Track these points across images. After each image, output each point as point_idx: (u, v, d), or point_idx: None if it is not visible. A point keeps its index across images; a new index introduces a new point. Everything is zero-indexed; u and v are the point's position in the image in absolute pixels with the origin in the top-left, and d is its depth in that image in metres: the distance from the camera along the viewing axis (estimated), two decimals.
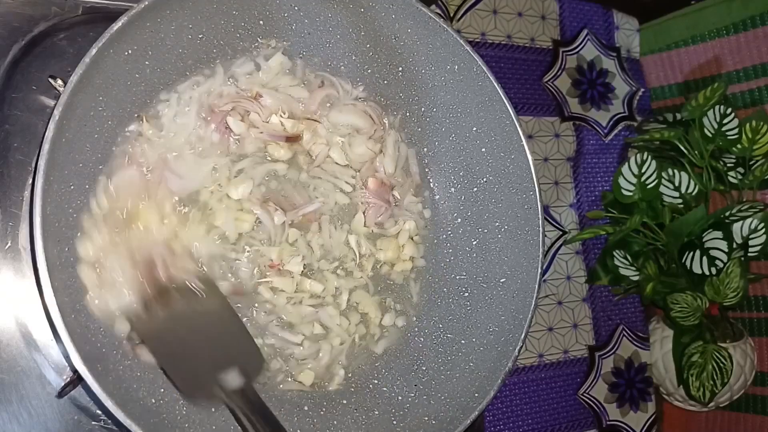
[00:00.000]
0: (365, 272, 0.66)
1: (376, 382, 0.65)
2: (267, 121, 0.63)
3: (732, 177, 0.89)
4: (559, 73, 0.94)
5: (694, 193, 0.87)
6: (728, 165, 0.89)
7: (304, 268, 0.63)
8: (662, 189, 0.88)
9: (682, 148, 0.88)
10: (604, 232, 0.90)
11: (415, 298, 0.69)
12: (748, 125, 0.86)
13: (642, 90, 1.00)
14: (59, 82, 0.59)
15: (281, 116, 0.63)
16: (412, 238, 0.69)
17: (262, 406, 0.51)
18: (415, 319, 0.68)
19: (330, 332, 0.64)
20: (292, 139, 0.63)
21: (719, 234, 0.83)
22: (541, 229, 0.63)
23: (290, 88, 0.64)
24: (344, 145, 0.66)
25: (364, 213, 0.66)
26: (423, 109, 0.68)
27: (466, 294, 0.67)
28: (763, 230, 0.83)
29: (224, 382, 0.52)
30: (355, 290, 0.66)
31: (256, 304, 0.61)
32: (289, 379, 0.62)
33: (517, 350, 0.61)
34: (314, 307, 0.63)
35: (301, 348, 0.63)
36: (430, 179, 0.70)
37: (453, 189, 0.70)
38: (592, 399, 0.91)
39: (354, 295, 0.66)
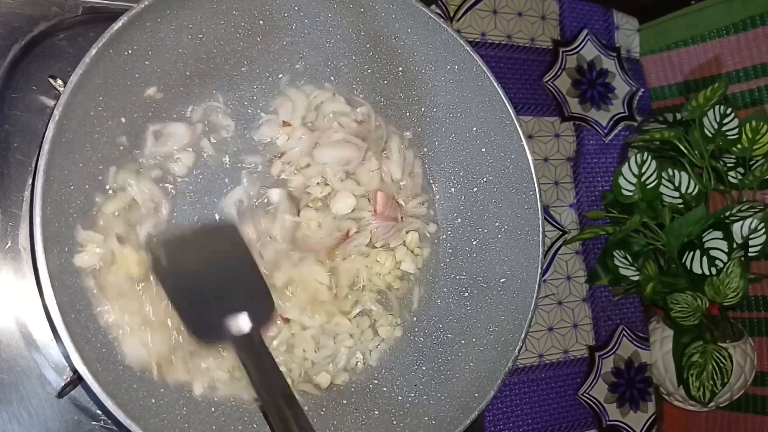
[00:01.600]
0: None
1: (376, 382, 0.65)
2: None
3: (732, 177, 0.89)
4: (559, 73, 0.94)
5: (694, 193, 0.87)
6: (728, 165, 0.89)
7: None
8: (662, 189, 0.88)
9: (682, 148, 0.88)
10: (604, 232, 0.90)
11: (415, 304, 0.69)
12: (748, 125, 0.86)
13: (642, 90, 1.00)
14: (59, 82, 0.59)
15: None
16: (412, 251, 0.68)
17: (267, 354, 0.50)
18: (415, 319, 0.68)
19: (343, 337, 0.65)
20: None
21: (719, 234, 0.83)
22: (541, 229, 0.63)
23: None
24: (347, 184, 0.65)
25: (371, 232, 0.66)
26: (423, 109, 0.68)
27: (466, 294, 0.67)
28: (763, 230, 0.83)
29: (233, 326, 0.51)
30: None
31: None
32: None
33: (517, 350, 0.61)
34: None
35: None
36: (431, 179, 0.70)
37: (453, 189, 0.70)
38: (592, 399, 0.91)
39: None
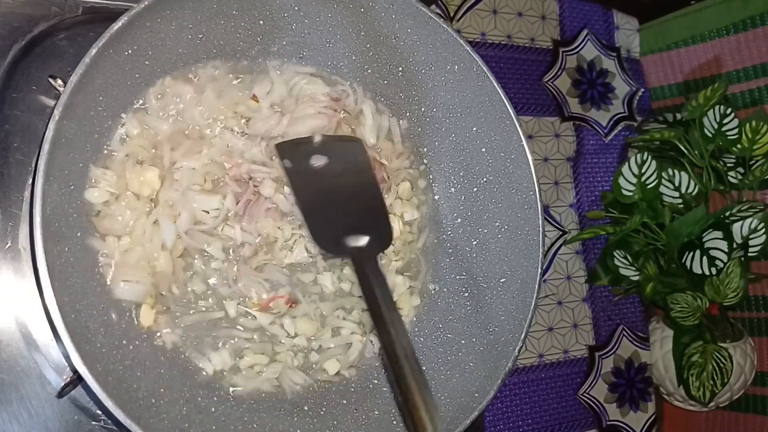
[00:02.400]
0: None
1: (376, 382, 0.65)
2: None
3: (732, 177, 0.89)
4: (559, 73, 0.94)
5: (694, 193, 0.87)
6: (728, 165, 0.89)
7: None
8: (662, 189, 0.88)
9: (682, 148, 0.88)
10: (604, 232, 0.90)
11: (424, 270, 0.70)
12: (748, 125, 0.86)
13: (642, 90, 1.00)
14: (59, 82, 0.59)
15: None
16: (409, 200, 0.69)
17: (380, 274, 0.53)
18: (415, 319, 0.68)
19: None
20: None
21: (719, 234, 0.83)
22: (541, 229, 0.63)
23: None
24: None
25: None
26: (423, 109, 0.68)
27: (466, 294, 0.67)
28: (763, 230, 0.83)
29: (352, 244, 0.55)
30: None
31: None
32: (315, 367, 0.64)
33: (517, 350, 0.61)
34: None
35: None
36: (431, 179, 0.70)
37: (453, 189, 0.70)
38: (592, 399, 0.91)
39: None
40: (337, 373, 0.64)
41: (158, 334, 0.57)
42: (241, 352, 0.60)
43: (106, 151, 0.57)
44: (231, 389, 0.60)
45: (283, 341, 0.62)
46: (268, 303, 0.61)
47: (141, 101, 0.59)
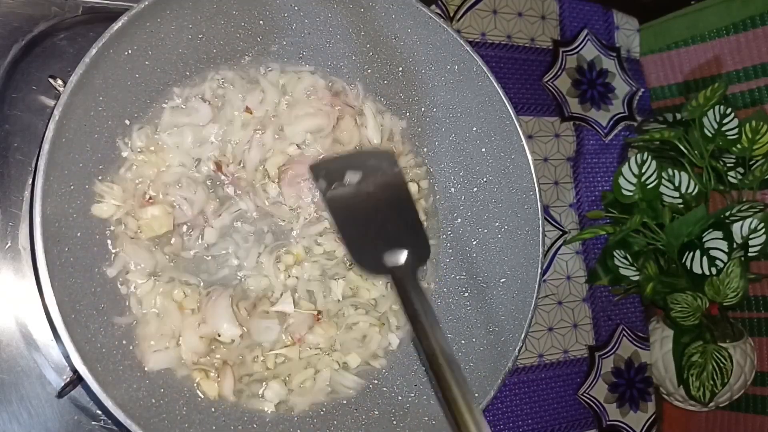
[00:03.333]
0: None
1: (376, 382, 0.65)
2: None
3: (732, 177, 0.89)
4: (559, 73, 0.94)
5: (694, 193, 0.87)
6: (728, 165, 0.89)
7: None
8: (662, 189, 0.88)
9: (682, 148, 0.88)
10: (604, 232, 0.90)
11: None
12: (748, 125, 0.86)
13: (642, 90, 1.00)
14: (59, 82, 0.59)
15: None
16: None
17: (419, 288, 0.53)
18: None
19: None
20: None
21: (719, 234, 0.83)
22: (541, 229, 0.63)
23: None
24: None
25: None
26: (423, 109, 0.68)
27: (466, 294, 0.67)
28: (763, 230, 0.83)
29: (391, 258, 0.54)
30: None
31: None
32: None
33: (517, 350, 0.61)
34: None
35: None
36: (431, 179, 0.70)
37: (453, 189, 0.70)
38: (592, 399, 0.91)
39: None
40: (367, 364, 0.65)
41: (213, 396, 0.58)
42: (287, 377, 0.61)
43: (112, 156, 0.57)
44: (293, 412, 0.61)
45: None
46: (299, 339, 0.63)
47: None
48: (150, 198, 0.58)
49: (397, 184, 0.58)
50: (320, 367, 0.63)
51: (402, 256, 0.54)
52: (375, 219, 0.56)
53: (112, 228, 0.56)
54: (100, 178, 0.55)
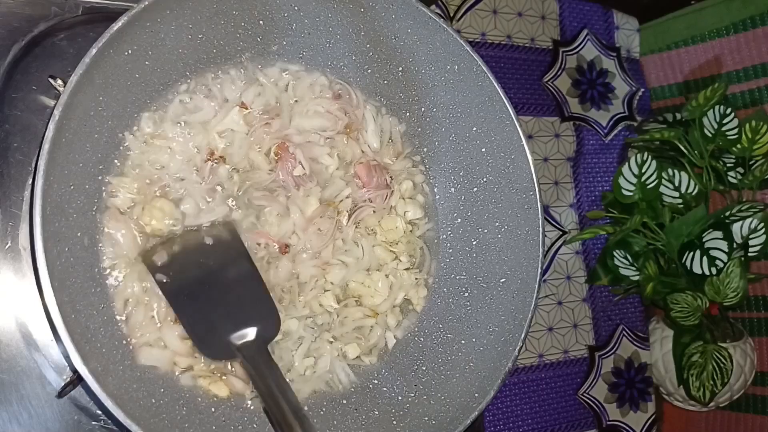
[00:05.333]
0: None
1: (376, 382, 0.65)
2: None
3: (732, 177, 0.89)
4: (559, 73, 0.94)
5: (694, 193, 0.87)
6: (728, 165, 0.89)
7: None
8: (662, 189, 0.88)
9: (682, 148, 0.88)
10: (604, 232, 0.90)
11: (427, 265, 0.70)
12: (748, 125, 0.86)
13: (642, 90, 1.00)
14: (59, 82, 0.59)
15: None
16: (412, 199, 0.69)
17: (274, 368, 0.52)
18: (415, 318, 0.68)
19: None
20: None
21: (719, 234, 0.83)
22: (541, 229, 0.63)
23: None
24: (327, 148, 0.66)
25: (369, 200, 0.67)
26: (423, 109, 0.68)
27: (466, 294, 0.67)
28: (763, 230, 0.83)
29: (239, 338, 0.53)
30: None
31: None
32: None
33: (517, 350, 0.61)
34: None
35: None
36: (431, 179, 0.70)
37: (453, 189, 0.70)
38: (592, 399, 0.91)
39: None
40: (358, 358, 0.65)
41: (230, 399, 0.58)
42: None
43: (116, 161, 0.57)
44: None
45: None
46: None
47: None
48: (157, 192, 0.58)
49: (239, 254, 0.56)
50: (321, 353, 0.63)
51: (250, 333, 0.53)
52: (220, 300, 0.54)
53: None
54: (100, 177, 0.56)
